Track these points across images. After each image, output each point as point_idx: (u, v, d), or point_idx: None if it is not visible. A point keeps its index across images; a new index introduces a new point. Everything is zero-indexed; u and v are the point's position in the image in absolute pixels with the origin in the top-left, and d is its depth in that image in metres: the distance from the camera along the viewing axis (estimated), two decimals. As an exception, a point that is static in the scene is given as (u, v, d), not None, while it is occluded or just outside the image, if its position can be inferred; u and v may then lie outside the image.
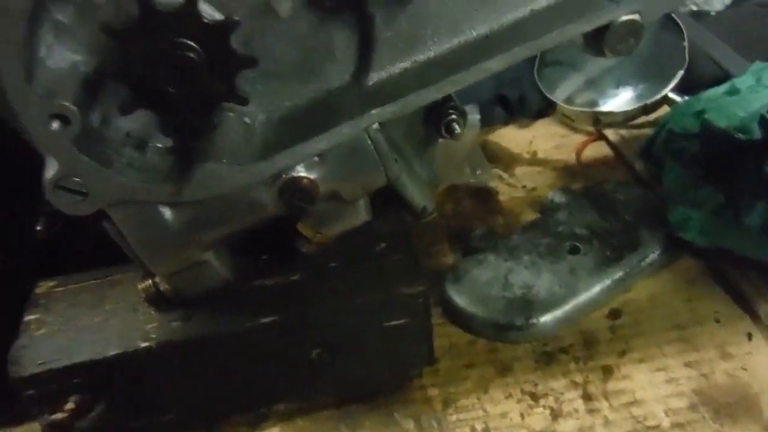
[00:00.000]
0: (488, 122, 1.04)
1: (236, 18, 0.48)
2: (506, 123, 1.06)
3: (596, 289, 0.75)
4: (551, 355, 0.72)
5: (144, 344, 0.59)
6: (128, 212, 0.54)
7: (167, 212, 0.55)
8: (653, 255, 0.78)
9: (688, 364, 0.68)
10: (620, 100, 1.02)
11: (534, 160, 0.99)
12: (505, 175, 0.96)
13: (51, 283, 0.66)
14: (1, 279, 0.68)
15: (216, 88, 0.50)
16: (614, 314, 0.75)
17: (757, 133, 0.74)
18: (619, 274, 0.76)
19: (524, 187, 0.94)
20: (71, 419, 0.59)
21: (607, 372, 0.69)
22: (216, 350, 0.62)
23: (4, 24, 0.43)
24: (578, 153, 0.98)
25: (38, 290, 0.65)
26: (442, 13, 0.53)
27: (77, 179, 0.51)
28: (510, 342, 0.74)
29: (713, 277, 0.77)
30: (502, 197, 0.93)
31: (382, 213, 0.67)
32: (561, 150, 1.00)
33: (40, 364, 0.58)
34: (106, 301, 0.64)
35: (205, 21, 0.47)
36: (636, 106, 0.96)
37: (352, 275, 0.65)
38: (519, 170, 0.97)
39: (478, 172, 0.92)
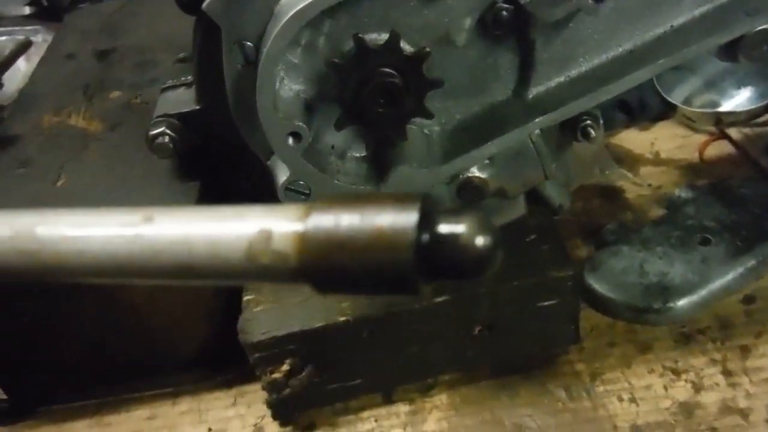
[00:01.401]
0: (610, 127, 1.11)
1: (428, 49, 0.60)
2: (627, 127, 1.13)
3: (729, 276, 0.81)
4: (689, 336, 0.79)
5: (342, 318, 0.72)
6: (335, 209, 0.68)
7: (366, 208, 0.68)
8: (785, 244, 0.83)
9: (826, 343, 0.73)
10: (742, 99, 1.07)
11: (657, 160, 1.05)
12: (630, 175, 1.03)
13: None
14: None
15: (410, 106, 0.62)
16: (748, 299, 0.81)
17: None
18: (751, 263, 0.81)
19: (650, 185, 1.01)
20: (286, 378, 0.73)
21: (745, 351, 0.75)
22: (397, 325, 0.74)
23: (265, 72, 0.58)
24: (701, 152, 1.04)
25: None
26: (592, 34, 0.63)
27: (302, 183, 0.65)
28: (648, 324, 0.81)
29: None
30: (628, 195, 1.00)
31: (530, 209, 0.77)
32: (683, 150, 1.06)
33: (263, 333, 0.72)
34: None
35: (405, 53, 0.60)
36: (758, 105, 1.01)
37: (509, 262, 0.75)
38: (644, 170, 1.04)
39: (606, 172, 1.00)
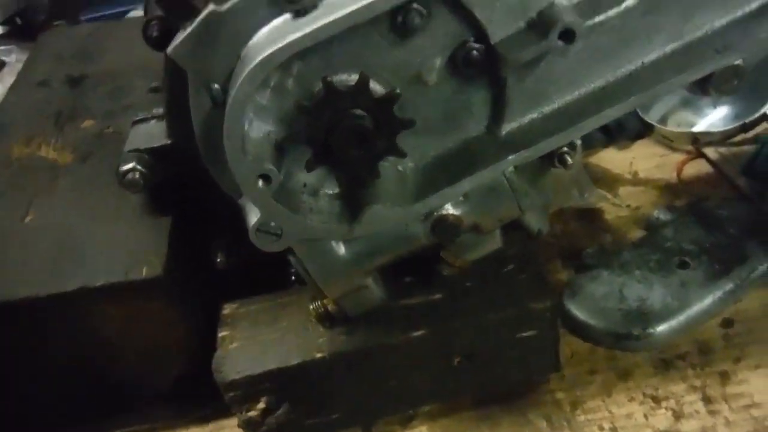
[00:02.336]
0: (588, 146, 1.11)
1: (398, 91, 0.59)
2: (606, 146, 1.13)
3: (708, 300, 0.81)
4: (669, 362, 0.79)
5: (319, 355, 0.71)
6: (309, 247, 0.67)
7: (341, 247, 0.67)
8: (762, 267, 0.83)
9: (804, 369, 0.74)
10: (717, 118, 1.07)
11: (636, 180, 1.06)
12: (609, 195, 1.04)
13: (234, 305, 0.80)
14: (192, 300, 0.82)
15: (381, 145, 0.61)
16: (727, 323, 0.81)
17: None
18: (729, 286, 0.82)
19: (628, 206, 1.01)
20: (262, 416, 0.72)
21: (725, 377, 0.76)
22: (374, 359, 0.73)
23: (233, 117, 0.57)
24: (679, 171, 1.04)
25: (225, 311, 0.79)
26: (564, 72, 0.63)
27: (273, 224, 0.64)
28: (628, 350, 0.81)
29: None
30: (608, 216, 1.00)
31: (507, 236, 0.77)
32: (661, 169, 1.06)
33: (238, 372, 0.71)
34: (281, 319, 0.77)
35: (375, 96, 0.59)
36: (734, 125, 1.01)
37: (487, 293, 0.75)
38: (622, 190, 1.04)
39: (585, 195, 0.99)
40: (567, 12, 0.57)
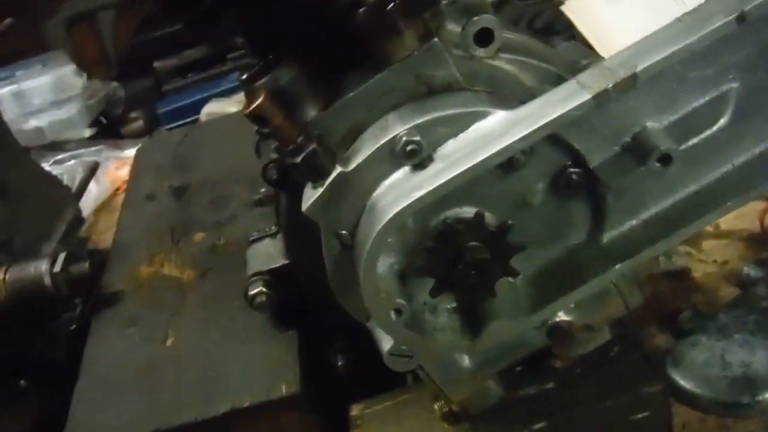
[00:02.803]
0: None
1: (510, 222, 0.65)
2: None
3: (813, 361, 0.84)
4: (781, 426, 0.81)
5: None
6: (436, 360, 0.73)
7: (464, 358, 0.74)
8: None
9: None
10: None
11: (719, 233, 1.08)
12: (693, 251, 1.07)
13: (361, 406, 0.87)
14: (322, 406, 0.90)
15: (497, 269, 0.67)
16: (836, 383, 0.83)
17: None
18: (834, 346, 0.84)
19: (715, 261, 1.04)
20: None
21: (842, 440, 0.78)
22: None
23: (368, 267, 0.64)
24: (761, 220, 1.07)
25: (353, 412, 0.86)
26: (659, 182, 0.68)
27: (404, 348, 0.70)
28: (739, 417, 0.84)
29: None
30: (696, 274, 1.03)
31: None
32: (743, 219, 1.08)
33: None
34: (406, 418, 0.83)
35: (490, 229, 0.65)
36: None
37: (598, 380, 0.80)
38: (706, 244, 1.07)
39: (671, 259, 1.03)
40: (661, 137, 0.63)
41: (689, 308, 0.97)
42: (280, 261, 0.89)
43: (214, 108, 1.70)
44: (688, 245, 1.08)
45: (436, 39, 0.63)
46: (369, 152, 0.64)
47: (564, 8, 1.65)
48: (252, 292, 0.86)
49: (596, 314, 0.73)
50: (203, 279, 1.01)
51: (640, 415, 0.79)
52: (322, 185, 0.66)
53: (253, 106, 0.60)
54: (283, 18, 0.66)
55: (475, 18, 0.66)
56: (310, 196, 0.67)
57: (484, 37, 0.66)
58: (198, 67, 1.79)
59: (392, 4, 0.62)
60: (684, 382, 0.87)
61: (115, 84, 1.88)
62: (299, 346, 0.86)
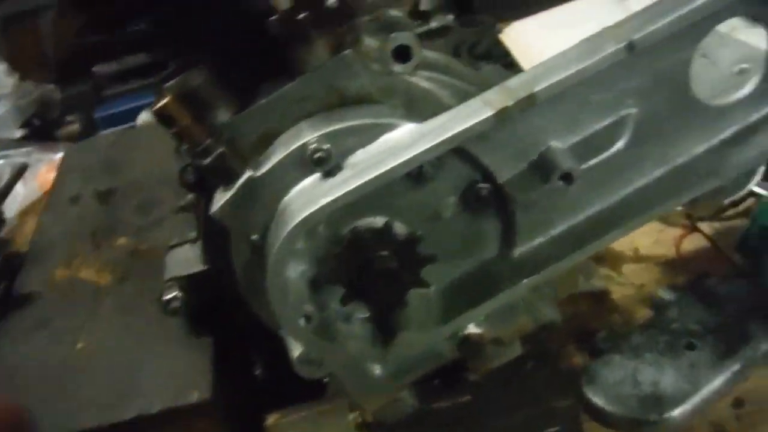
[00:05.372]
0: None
1: (419, 233, 0.66)
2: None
3: (718, 381, 0.86)
4: (685, 444, 0.84)
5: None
6: (348, 369, 0.73)
7: (376, 367, 0.73)
8: (766, 347, 0.88)
9: (813, 448, 0.79)
10: (710, 192, 1.14)
11: (637, 257, 1.12)
12: (613, 274, 1.10)
13: (276, 416, 0.85)
14: (236, 414, 0.88)
15: (407, 280, 0.68)
16: (738, 403, 0.86)
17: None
18: (736, 367, 0.87)
19: (633, 284, 1.07)
20: None
21: (739, 458, 0.81)
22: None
23: (275, 273, 0.63)
24: (677, 246, 1.11)
25: (268, 422, 0.84)
26: (563, 201, 0.70)
27: (315, 355, 0.70)
28: (646, 434, 0.86)
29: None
30: (614, 296, 1.06)
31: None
32: (660, 244, 1.12)
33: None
34: (322, 429, 0.82)
35: (399, 239, 0.66)
36: (723, 202, 1.08)
37: (511, 394, 0.81)
38: (625, 268, 1.11)
39: (590, 280, 1.06)
40: (564, 156, 0.65)
41: (606, 328, 0.99)
42: (198, 267, 0.87)
43: (150, 116, 1.66)
44: (608, 268, 1.11)
45: (348, 51, 0.64)
46: (279, 157, 0.64)
47: (503, 36, 1.71)
48: (166, 297, 0.84)
49: (506, 328, 0.74)
50: (121, 284, 0.98)
51: (551, 429, 0.80)
52: (232, 189, 0.65)
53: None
54: (198, 22, 0.66)
55: (393, 34, 0.68)
56: (220, 199, 0.67)
57: (403, 54, 0.68)
58: (139, 74, 1.76)
59: (304, 15, 0.63)
60: (596, 399, 0.89)
61: (51, 86, 1.83)
62: (214, 353, 0.84)
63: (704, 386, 0.87)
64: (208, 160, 0.64)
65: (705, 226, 1.11)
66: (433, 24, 2.40)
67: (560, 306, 1.05)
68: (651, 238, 1.14)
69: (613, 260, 1.12)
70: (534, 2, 1.75)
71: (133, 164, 1.25)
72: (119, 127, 1.63)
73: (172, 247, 0.93)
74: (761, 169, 1.09)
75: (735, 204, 1.08)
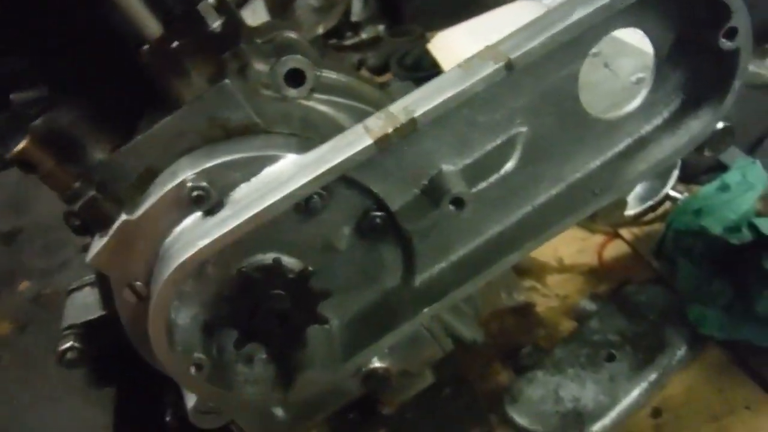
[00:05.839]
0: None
1: (310, 268, 0.63)
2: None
3: (636, 392, 0.86)
4: (607, 459, 0.83)
5: None
6: (250, 415, 0.69)
7: (279, 410, 0.70)
8: (681, 352, 0.89)
9: (728, 455, 0.79)
10: (630, 199, 1.15)
11: (561, 267, 1.11)
12: (538, 286, 1.09)
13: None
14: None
15: (303, 318, 0.65)
16: (656, 413, 0.86)
17: (748, 236, 0.86)
18: (653, 376, 0.87)
19: (557, 295, 1.06)
20: None
21: (659, 470, 0.80)
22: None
23: (156, 319, 0.59)
24: (600, 255, 1.11)
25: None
26: (462, 224, 0.68)
27: (211, 404, 0.66)
28: (569, 452, 0.85)
29: (739, 365, 0.87)
30: (539, 308, 1.05)
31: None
32: (584, 253, 1.12)
33: None
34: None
35: (289, 276, 0.63)
36: (642, 207, 1.09)
37: (428, 424, 0.78)
38: (550, 279, 1.10)
39: (513, 294, 1.05)
40: (454, 180, 0.63)
41: (530, 344, 0.98)
42: (96, 312, 0.82)
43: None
44: (532, 279, 1.10)
45: (226, 80, 0.61)
46: (155, 199, 0.60)
47: (430, 46, 1.70)
48: (62, 348, 0.79)
49: (412, 359, 0.71)
50: (22, 333, 0.93)
51: (469, 457, 0.78)
52: (107, 234, 0.61)
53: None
54: (62, 51, 0.62)
55: (284, 58, 0.65)
56: (96, 246, 0.62)
57: (296, 78, 0.65)
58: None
59: (177, 44, 0.60)
60: (519, 419, 0.87)
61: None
62: (117, 405, 0.80)
63: (623, 398, 0.86)
64: (77, 206, 0.60)
65: (626, 232, 1.11)
66: (364, 35, 2.39)
67: (485, 323, 1.04)
68: (575, 247, 1.14)
69: (538, 271, 1.11)
70: (461, 10, 1.76)
71: (42, 202, 1.19)
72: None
73: (71, 291, 0.88)
74: (675, 173, 1.11)
75: (653, 208, 1.09)
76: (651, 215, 1.10)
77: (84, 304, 0.85)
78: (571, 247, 1.14)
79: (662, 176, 1.09)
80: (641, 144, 0.66)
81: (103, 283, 0.81)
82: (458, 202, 0.61)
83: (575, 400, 0.87)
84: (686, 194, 1.06)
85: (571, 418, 0.85)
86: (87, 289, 0.87)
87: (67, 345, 0.79)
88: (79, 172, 0.60)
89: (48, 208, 1.17)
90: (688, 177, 1.11)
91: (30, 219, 1.14)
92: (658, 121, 0.66)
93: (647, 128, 0.66)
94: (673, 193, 1.07)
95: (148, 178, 0.63)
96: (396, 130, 0.57)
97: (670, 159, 0.65)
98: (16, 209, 1.18)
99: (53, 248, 1.07)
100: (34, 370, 0.86)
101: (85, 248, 1.02)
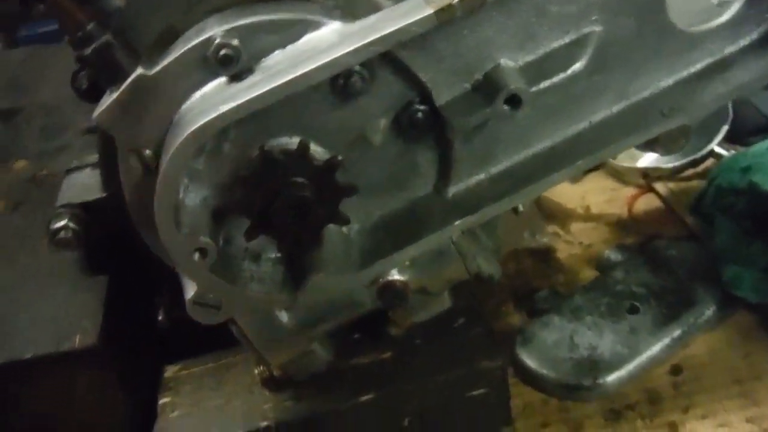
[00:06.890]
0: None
1: (340, 157, 0.57)
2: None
3: (657, 347, 0.81)
4: (619, 412, 0.78)
5: (264, 423, 0.68)
6: (251, 317, 0.64)
7: (284, 315, 0.65)
8: (709, 312, 0.83)
9: (749, 420, 0.74)
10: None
11: (588, 216, 1.05)
12: (561, 232, 1.03)
13: (176, 368, 0.76)
14: (131, 364, 0.78)
15: (323, 214, 0.59)
16: (675, 370, 0.81)
17: (801, 196, 0.79)
18: (677, 332, 0.82)
19: (581, 243, 1.01)
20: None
21: (673, 428, 0.75)
22: (322, 426, 0.71)
23: (164, 189, 0.53)
24: (629, 206, 1.05)
25: (166, 374, 0.75)
26: (511, 131, 0.61)
27: (212, 296, 0.60)
28: (579, 400, 0.80)
29: (769, 330, 0.82)
30: (560, 254, 1.00)
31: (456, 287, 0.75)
32: (613, 204, 1.06)
33: (180, 443, 0.67)
34: (226, 383, 0.74)
35: (315, 163, 0.56)
36: (683, 161, 1.02)
37: (436, 352, 0.73)
38: (574, 226, 1.04)
39: (536, 236, 0.99)
40: (513, 76, 0.56)
41: (547, 288, 0.93)
42: (95, 193, 0.76)
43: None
44: (556, 225, 1.04)
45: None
46: (177, 54, 0.53)
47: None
48: (54, 226, 0.73)
49: (434, 276, 0.66)
50: (13, 212, 0.87)
51: (476, 392, 0.73)
52: (119, 89, 0.55)
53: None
54: None
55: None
56: (105, 101, 0.56)
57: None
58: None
59: None
60: (529, 362, 0.83)
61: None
62: (108, 294, 0.74)
63: (643, 351, 0.81)
64: (89, 50, 0.53)
65: (660, 187, 1.05)
66: None
67: (502, 262, 0.98)
68: (604, 197, 1.07)
69: (563, 217, 1.05)
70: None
71: (45, 83, 1.12)
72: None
73: (70, 171, 0.81)
74: (724, 129, 1.04)
75: (695, 163, 1.02)
76: (690, 171, 1.04)
77: (83, 185, 0.79)
78: (600, 196, 1.08)
79: (708, 131, 1.02)
80: (723, 64, 0.59)
81: (106, 162, 0.75)
82: (514, 100, 0.55)
83: (591, 348, 0.82)
84: (732, 152, 0.99)
85: (586, 365, 0.80)
86: (87, 170, 0.81)
87: (61, 224, 0.73)
88: (95, 10, 0.52)
89: (52, 91, 1.09)
90: (733, 137, 1.04)
91: (31, 99, 1.07)
92: (745, 41, 0.59)
93: (732, 49, 0.59)
94: (718, 150, 1.00)
95: (171, 37, 0.56)
96: (461, 1, 0.50)
97: (753, 84, 0.58)
98: (17, 89, 1.11)
99: (53, 130, 1.00)
100: (23, 250, 0.80)
101: (87, 131, 0.96)
